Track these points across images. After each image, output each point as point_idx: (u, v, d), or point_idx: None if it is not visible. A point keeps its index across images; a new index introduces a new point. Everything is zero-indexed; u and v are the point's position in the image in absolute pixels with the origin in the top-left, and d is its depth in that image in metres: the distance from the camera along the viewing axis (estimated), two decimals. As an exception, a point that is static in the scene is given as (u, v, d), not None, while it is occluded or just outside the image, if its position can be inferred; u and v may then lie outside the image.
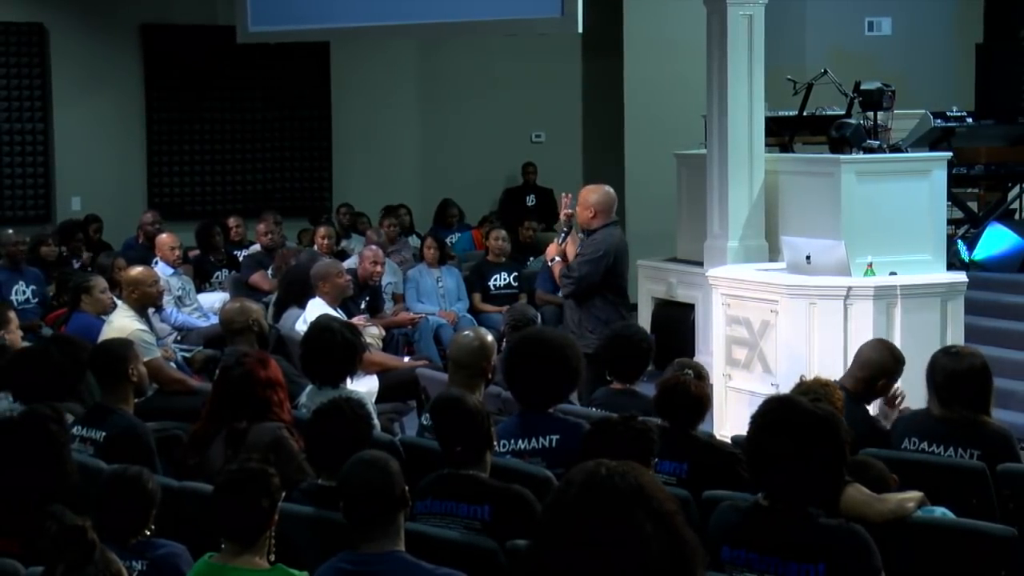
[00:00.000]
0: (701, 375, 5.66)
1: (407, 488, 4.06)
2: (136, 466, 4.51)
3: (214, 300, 10.59)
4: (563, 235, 8.24)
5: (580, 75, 15.46)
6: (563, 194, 8.40)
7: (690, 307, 10.36)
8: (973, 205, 11.41)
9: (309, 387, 6.28)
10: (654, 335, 8.81)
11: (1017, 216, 11.64)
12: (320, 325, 6.45)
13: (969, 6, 15.58)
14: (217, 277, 11.62)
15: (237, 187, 14.70)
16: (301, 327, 7.72)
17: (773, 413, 3.93)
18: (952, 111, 10.96)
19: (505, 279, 11.50)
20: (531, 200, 15.05)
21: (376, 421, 5.82)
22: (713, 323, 9.47)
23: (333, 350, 6.17)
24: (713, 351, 9.39)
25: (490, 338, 5.99)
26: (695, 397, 5.33)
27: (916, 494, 4.60)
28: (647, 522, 2.29)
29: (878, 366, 5.99)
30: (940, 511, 4.63)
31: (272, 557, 4.15)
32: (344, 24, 12.31)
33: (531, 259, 12.64)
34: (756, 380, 8.56)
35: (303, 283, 8.79)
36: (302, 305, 8.51)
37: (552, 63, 15.11)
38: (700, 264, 10.10)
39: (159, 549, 4.31)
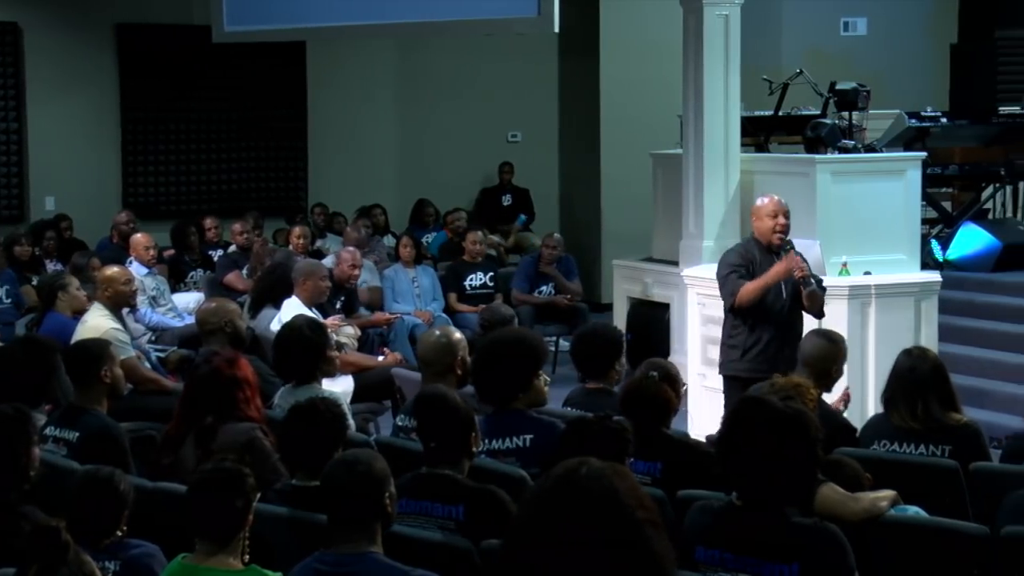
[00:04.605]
0: (670, 375, 5.66)
1: (393, 493, 4.05)
2: (108, 467, 4.50)
3: (189, 300, 10.57)
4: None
5: (556, 75, 15.46)
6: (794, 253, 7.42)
7: (665, 307, 10.37)
8: (947, 205, 11.45)
9: (283, 387, 6.27)
10: (630, 335, 8.85)
11: (990, 216, 11.69)
12: (288, 325, 6.48)
13: (944, 6, 15.65)
14: (192, 277, 11.60)
15: (212, 187, 14.66)
16: (276, 327, 7.70)
17: (744, 413, 3.94)
18: (927, 111, 11.00)
19: (481, 279, 11.49)
20: (507, 200, 15.04)
21: (351, 421, 5.81)
22: (688, 322, 9.50)
23: (298, 349, 6.18)
24: (688, 350, 9.41)
25: (458, 336, 5.98)
26: (656, 397, 5.33)
27: (890, 493, 4.61)
28: (615, 527, 2.28)
29: (821, 357, 6.03)
30: (913, 510, 4.65)
31: (246, 558, 4.14)
32: (320, 24, 12.29)
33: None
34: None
35: (279, 283, 8.77)
36: (277, 305, 8.49)
37: (529, 63, 15.11)
38: (676, 264, 10.12)
39: (132, 550, 4.30)
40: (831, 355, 6.07)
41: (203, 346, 7.19)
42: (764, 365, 7.14)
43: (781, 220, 7.44)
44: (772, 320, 7.36)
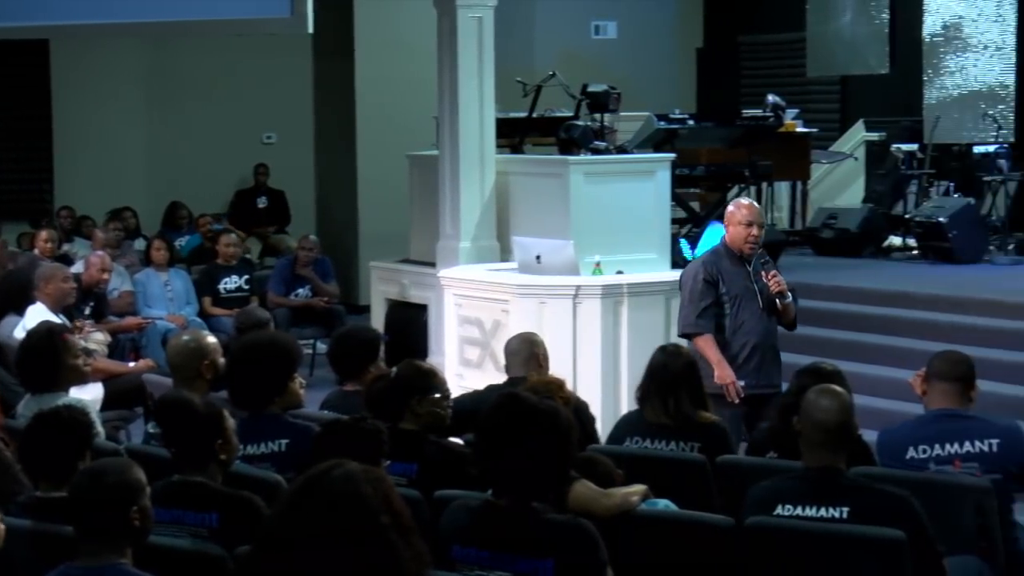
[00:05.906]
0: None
1: (145, 506, 3.94)
2: None
3: (-76, 309, 10.13)
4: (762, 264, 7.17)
5: (311, 75, 15.32)
6: (770, 274, 7.08)
7: (423, 308, 10.39)
8: (695, 205, 11.75)
9: (27, 395, 6.08)
10: (387, 336, 8.85)
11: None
12: (30, 332, 6.28)
13: (689, 11, 16.11)
14: (-71, 284, 11.12)
15: (-50, 190, 14.12)
16: (20, 334, 7.47)
17: (497, 410, 3.97)
18: (675, 113, 11.27)
19: (236, 282, 11.33)
20: (263, 202, 14.86)
21: (100, 429, 5.65)
22: (445, 323, 9.54)
23: (41, 356, 6.00)
24: (446, 351, 9.45)
25: (209, 339, 5.89)
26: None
27: (640, 488, 4.71)
28: (358, 529, 2.28)
29: (528, 344, 6.55)
30: (663, 503, 4.75)
31: (-15, 574, 3.99)
32: (63, 21, 11.89)
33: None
34: (488, 379, 8.60)
35: (22, 289, 8.50)
36: (21, 312, 8.23)
37: (283, 63, 14.92)
38: (433, 265, 10.15)
39: None
40: (532, 343, 6.49)
41: (-59, 355, 6.92)
42: (751, 379, 6.96)
43: (754, 231, 7.05)
44: (752, 333, 7.05)
